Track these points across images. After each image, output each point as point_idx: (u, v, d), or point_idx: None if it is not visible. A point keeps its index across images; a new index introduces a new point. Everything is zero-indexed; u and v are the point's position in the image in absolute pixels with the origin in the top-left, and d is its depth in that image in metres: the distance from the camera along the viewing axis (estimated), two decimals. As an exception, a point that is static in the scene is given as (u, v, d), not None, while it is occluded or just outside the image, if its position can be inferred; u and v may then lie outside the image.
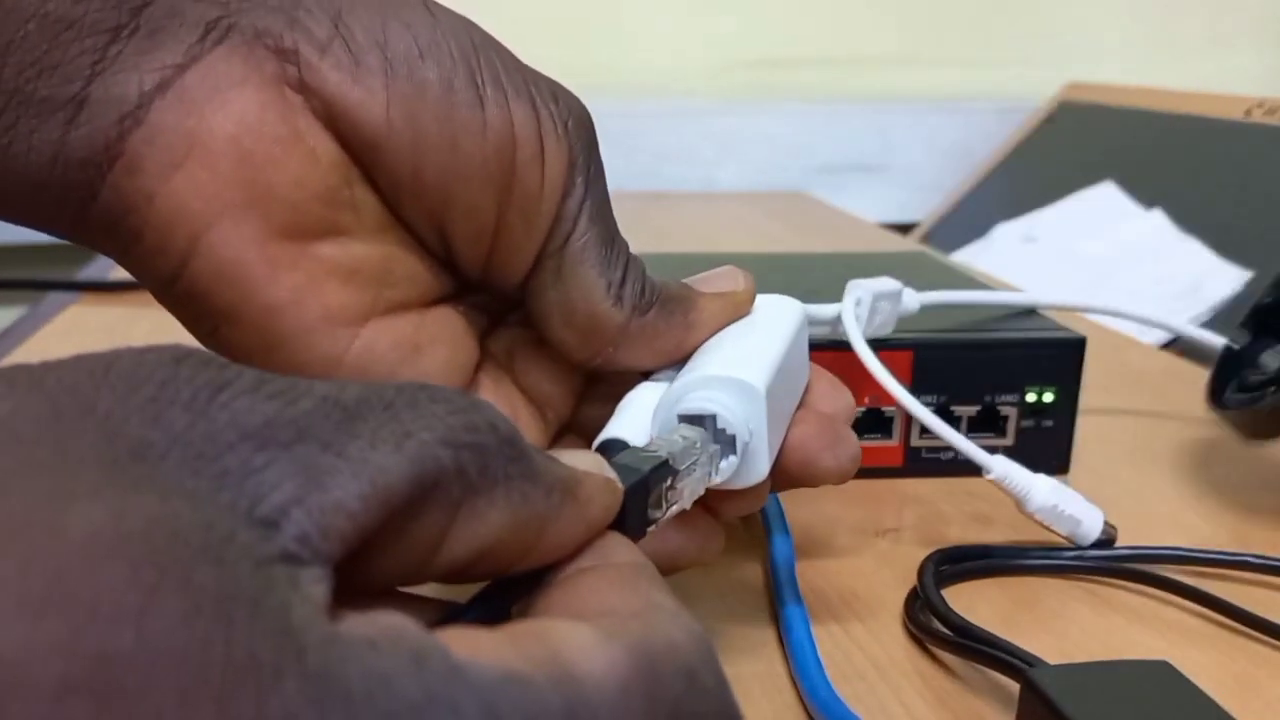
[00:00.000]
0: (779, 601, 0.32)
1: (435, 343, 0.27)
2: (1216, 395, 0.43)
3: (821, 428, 0.28)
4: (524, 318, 0.29)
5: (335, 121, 0.25)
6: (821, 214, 1.07)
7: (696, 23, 1.21)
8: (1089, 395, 0.42)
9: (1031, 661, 0.27)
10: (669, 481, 0.23)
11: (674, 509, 0.23)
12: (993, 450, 0.37)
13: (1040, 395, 0.42)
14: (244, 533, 0.13)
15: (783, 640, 0.31)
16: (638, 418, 0.27)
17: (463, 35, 0.25)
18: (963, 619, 0.30)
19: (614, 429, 0.27)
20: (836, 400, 0.30)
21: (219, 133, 0.24)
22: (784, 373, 0.28)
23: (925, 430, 0.42)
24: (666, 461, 0.22)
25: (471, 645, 0.14)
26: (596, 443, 0.27)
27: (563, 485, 0.19)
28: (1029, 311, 0.45)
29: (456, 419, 0.17)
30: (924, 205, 1.23)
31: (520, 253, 0.27)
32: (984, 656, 0.28)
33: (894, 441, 0.42)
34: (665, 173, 1.19)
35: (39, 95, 0.23)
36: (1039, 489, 0.35)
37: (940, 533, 0.38)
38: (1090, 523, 0.35)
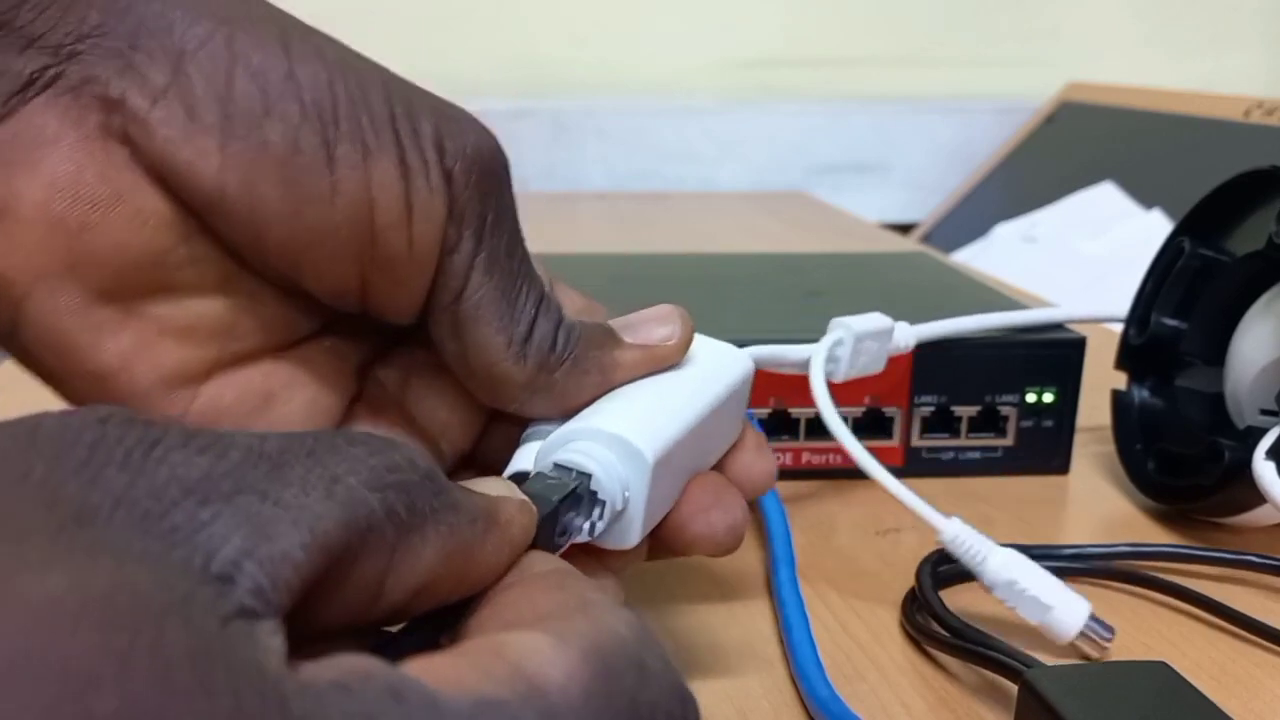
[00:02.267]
0: (779, 602, 0.32)
1: (293, 387, 0.26)
2: (1134, 469, 0.41)
3: (704, 490, 0.27)
4: (423, 339, 0.26)
5: (165, 180, 0.22)
6: (821, 214, 1.07)
7: (697, 23, 1.21)
8: (1089, 395, 0.42)
9: (1029, 662, 0.27)
10: (573, 513, 0.23)
11: (576, 539, 0.23)
12: (993, 450, 0.37)
13: (1040, 395, 0.42)
14: (201, 590, 0.13)
15: (783, 640, 0.31)
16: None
17: (320, 79, 0.22)
18: (960, 620, 0.30)
19: (521, 463, 0.26)
20: (754, 466, 0.29)
21: (27, 198, 0.22)
22: (695, 438, 0.26)
23: (926, 430, 0.42)
24: (575, 490, 0.23)
25: (435, 674, 0.14)
26: (506, 474, 0.25)
27: (484, 513, 0.19)
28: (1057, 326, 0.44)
29: (378, 460, 0.17)
30: (924, 205, 1.24)
31: (398, 305, 0.24)
32: (981, 658, 0.28)
33: (894, 442, 0.42)
34: (665, 172, 1.19)
35: None
36: (993, 562, 0.31)
37: (940, 533, 0.38)
38: (1067, 616, 0.29)
